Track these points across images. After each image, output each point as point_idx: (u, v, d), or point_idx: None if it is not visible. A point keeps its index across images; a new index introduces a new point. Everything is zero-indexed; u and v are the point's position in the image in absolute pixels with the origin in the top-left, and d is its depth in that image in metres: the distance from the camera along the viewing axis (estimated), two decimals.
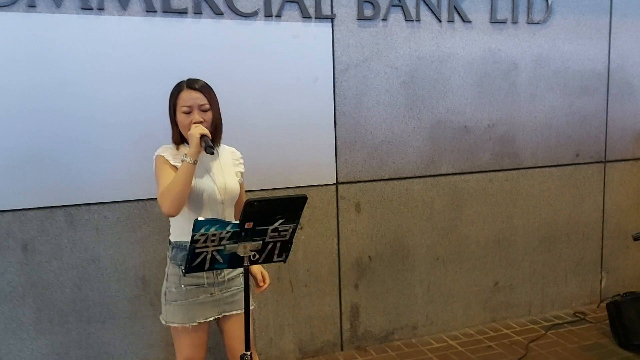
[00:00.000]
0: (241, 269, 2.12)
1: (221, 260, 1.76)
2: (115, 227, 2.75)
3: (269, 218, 1.72)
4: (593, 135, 3.76)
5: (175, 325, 2.07)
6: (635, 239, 2.21)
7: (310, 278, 3.18)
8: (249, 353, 1.81)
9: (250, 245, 1.74)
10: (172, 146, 2.09)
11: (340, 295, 3.26)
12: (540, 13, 3.48)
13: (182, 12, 2.73)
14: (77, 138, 2.63)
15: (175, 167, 2.02)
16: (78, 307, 2.74)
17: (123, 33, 2.64)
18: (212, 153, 1.95)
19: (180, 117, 2.04)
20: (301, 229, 3.08)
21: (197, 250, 1.68)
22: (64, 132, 2.60)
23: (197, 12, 2.75)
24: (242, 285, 2.12)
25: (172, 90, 2.09)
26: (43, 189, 2.61)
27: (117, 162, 2.69)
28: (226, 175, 2.12)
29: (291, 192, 3.00)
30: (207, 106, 2.06)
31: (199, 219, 1.64)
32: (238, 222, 1.69)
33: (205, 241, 1.67)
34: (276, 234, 1.77)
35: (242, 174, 2.22)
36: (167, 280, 2.10)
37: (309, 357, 3.22)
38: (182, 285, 2.05)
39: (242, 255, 1.74)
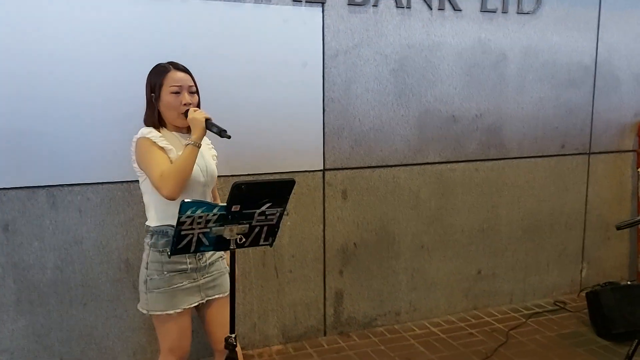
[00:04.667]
0: (220, 253, 2.12)
1: (207, 243, 1.74)
2: (99, 209, 2.71)
3: (257, 201, 1.71)
4: (579, 127, 3.79)
5: (159, 313, 2.02)
6: (618, 228, 2.23)
7: (295, 264, 3.18)
8: (233, 336, 1.80)
9: (236, 228, 1.72)
10: (151, 129, 2.03)
11: (325, 281, 3.27)
12: (530, 3, 3.48)
13: None
14: (60, 117, 2.58)
15: (162, 148, 1.99)
16: (59, 289, 2.71)
17: (109, 13, 2.59)
18: (230, 137, 1.95)
19: (169, 98, 2.00)
20: (287, 214, 3.07)
21: (182, 233, 1.66)
22: (47, 111, 2.55)
23: None
24: (222, 269, 2.14)
25: (155, 71, 2.05)
26: (25, 168, 2.56)
27: (101, 142, 2.65)
28: (205, 157, 2.11)
29: (278, 177, 2.99)
30: (194, 88, 2.06)
31: (186, 200, 1.62)
32: (225, 204, 1.67)
33: (191, 223, 1.65)
34: (263, 217, 1.76)
35: (216, 157, 2.22)
36: (147, 268, 2.03)
37: (292, 342, 3.23)
38: (165, 272, 2.00)
39: (228, 238, 1.73)
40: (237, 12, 2.82)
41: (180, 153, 1.96)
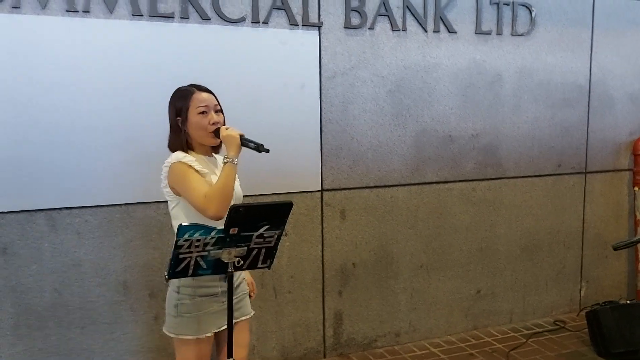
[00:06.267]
0: (243, 274, 2.14)
1: (205, 266, 1.75)
2: (97, 232, 2.72)
3: (254, 224, 1.72)
4: (574, 146, 3.82)
5: (189, 337, 1.98)
6: (615, 248, 2.24)
7: (294, 285, 3.17)
8: None
9: (234, 251, 1.73)
10: (185, 154, 2.00)
11: (324, 302, 3.26)
12: (524, 25, 3.53)
13: (169, 17, 2.72)
14: (60, 141, 2.60)
15: (198, 172, 1.96)
16: (58, 312, 2.69)
17: (109, 36, 2.63)
18: (268, 150, 1.97)
19: (197, 119, 1.99)
20: (286, 235, 3.07)
21: (181, 256, 1.67)
22: (46, 134, 2.57)
23: (184, 17, 2.75)
24: (246, 290, 2.16)
25: (179, 95, 2.04)
26: (24, 192, 2.57)
27: (101, 165, 2.67)
28: None
29: (276, 199, 3.00)
30: (219, 107, 2.06)
31: (183, 224, 1.63)
32: (222, 227, 1.68)
33: (189, 247, 1.66)
34: (261, 240, 1.77)
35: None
36: (178, 292, 2.00)
37: None
38: (197, 296, 1.98)
39: (226, 261, 1.74)
40: (235, 35, 2.86)
41: (212, 176, 1.97)
